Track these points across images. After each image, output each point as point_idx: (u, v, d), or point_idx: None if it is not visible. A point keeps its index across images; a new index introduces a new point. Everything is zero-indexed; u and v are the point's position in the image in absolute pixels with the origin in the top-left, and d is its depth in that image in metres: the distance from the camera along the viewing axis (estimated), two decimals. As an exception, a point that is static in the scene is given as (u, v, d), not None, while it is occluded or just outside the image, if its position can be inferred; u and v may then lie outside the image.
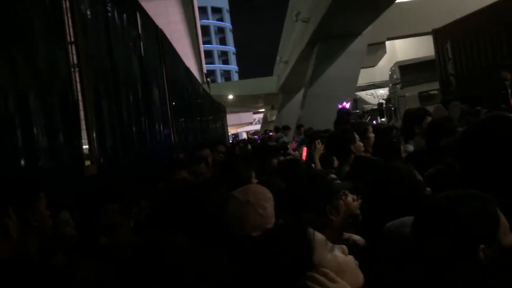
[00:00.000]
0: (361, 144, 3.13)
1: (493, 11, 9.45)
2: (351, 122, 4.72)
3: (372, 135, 3.31)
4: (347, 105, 6.84)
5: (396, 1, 13.05)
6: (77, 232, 1.86)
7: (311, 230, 1.03)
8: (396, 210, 1.53)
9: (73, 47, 2.85)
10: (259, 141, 17.19)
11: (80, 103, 2.81)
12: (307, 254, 0.98)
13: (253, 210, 1.66)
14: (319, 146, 3.88)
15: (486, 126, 1.59)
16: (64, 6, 2.77)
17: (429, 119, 3.37)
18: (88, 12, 3.12)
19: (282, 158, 4.09)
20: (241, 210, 1.67)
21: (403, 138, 3.73)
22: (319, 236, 1.03)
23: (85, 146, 2.85)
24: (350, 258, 1.06)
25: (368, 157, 2.79)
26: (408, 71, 14.74)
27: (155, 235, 1.37)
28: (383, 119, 15.98)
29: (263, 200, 1.71)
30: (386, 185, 1.69)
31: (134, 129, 3.91)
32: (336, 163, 3.36)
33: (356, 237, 1.77)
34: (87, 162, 2.77)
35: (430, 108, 4.42)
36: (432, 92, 12.93)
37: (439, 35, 11.56)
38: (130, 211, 1.74)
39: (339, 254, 1.04)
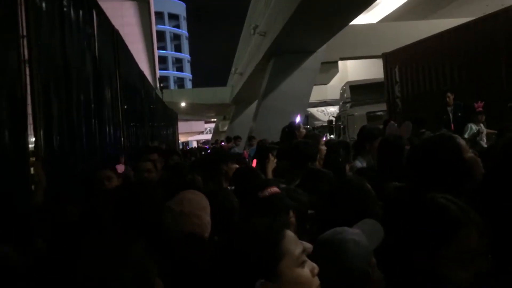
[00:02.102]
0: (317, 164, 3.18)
1: (438, 41, 10.07)
2: (304, 135, 4.78)
3: (323, 147, 3.37)
4: (298, 119, 6.94)
5: (349, 24, 13.57)
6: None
7: (289, 237, 1.03)
8: (348, 223, 1.56)
9: (25, 41, 2.73)
10: (209, 150, 17.07)
11: (28, 98, 2.69)
12: (273, 263, 0.98)
13: (188, 220, 1.68)
14: (273, 159, 3.86)
15: (432, 144, 1.68)
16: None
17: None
18: (44, 5, 3.01)
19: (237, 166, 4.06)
20: (177, 221, 1.69)
21: (353, 155, 3.82)
22: (294, 246, 1.03)
23: (31, 145, 2.73)
24: (316, 280, 1.05)
25: (319, 169, 2.85)
26: (358, 91, 15.28)
27: None
28: (332, 136, 16.43)
29: (197, 209, 1.73)
30: (339, 198, 1.73)
31: (83, 129, 3.77)
32: None
33: (308, 245, 1.79)
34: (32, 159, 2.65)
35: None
36: (379, 112, 13.46)
37: (389, 59, 12.12)
38: None
39: (306, 273, 1.03)
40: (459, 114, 6.97)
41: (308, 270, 1.04)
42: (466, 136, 6.47)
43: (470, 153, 1.70)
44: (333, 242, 1.43)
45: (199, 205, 1.75)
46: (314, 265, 1.06)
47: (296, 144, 3.30)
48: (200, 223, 1.70)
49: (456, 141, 1.69)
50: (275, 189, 1.85)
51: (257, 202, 1.80)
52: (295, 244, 1.03)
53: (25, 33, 2.74)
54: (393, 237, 1.25)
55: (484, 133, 6.72)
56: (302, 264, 1.03)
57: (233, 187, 2.78)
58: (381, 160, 2.80)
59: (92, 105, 4.15)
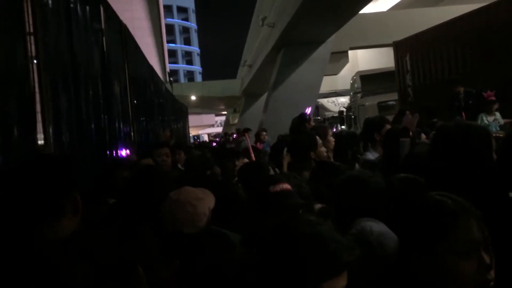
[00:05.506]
0: (323, 149, 3.16)
1: (450, 28, 9.89)
2: (312, 126, 4.75)
3: (332, 138, 3.35)
4: (308, 110, 6.91)
5: (359, 13, 13.40)
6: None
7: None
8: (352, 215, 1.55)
9: (32, 38, 2.73)
10: (214, 144, 16.88)
11: (37, 96, 2.70)
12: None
13: (181, 207, 1.78)
14: (286, 154, 3.80)
15: (461, 132, 1.68)
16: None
17: (387, 126, 3.46)
18: (50, 2, 3.00)
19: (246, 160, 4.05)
20: (172, 207, 1.80)
21: (362, 146, 3.80)
22: None
23: (40, 142, 2.74)
24: None
25: (330, 162, 2.82)
26: (368, 81, 15.14)
27: None
28: (343, 127, 16.34)
29: (193, 199, 1.82)
30: (344, 194, 1.71)
31: (92, 125, 3.79)
32: None
33: None
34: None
35: (390, 118, 4.55)
36: (390, 102, 13.33)
37: (399, 48, 11.96)
38: None
39: None
40: (470, 102, 6.86)
41: None
42: None
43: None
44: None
45: (196, 196, 1.84)
46: None
47: (293, 138, 3.31)
48: (193, 212, 1.77)
49: (488, 131, 1.70)
50: (287, 185, 1.85)
51: (267, 196, 1.79)
52: None
53: (31, 30, 2.74)
54: (399, 234, 1.26)
55: (500, 122, 6.58)
56: None
57: None
58: (386, 151, 2.78)
59: (101, 101, 4.16)
